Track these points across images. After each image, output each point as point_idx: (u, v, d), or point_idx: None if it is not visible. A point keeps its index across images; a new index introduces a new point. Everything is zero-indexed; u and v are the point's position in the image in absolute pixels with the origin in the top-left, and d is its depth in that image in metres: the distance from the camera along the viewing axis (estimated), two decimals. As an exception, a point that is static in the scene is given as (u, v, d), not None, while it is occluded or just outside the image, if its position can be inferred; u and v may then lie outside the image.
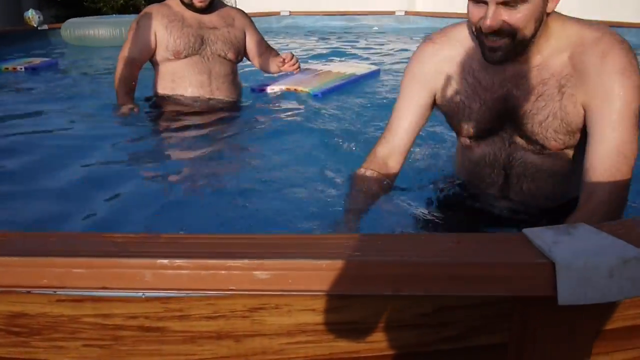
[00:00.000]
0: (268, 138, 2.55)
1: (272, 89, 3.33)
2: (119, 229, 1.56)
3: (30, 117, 3.01)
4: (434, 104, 1.51)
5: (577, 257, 0.78)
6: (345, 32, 7.02)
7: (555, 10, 1.30)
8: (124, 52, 2.83)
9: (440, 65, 1.45)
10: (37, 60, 4.62)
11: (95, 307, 0.84)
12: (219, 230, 1.55)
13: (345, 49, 5.95)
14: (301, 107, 3.06)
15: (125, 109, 2.77)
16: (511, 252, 0.82)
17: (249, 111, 3.02)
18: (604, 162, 1.24)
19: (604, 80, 1.25)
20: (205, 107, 2.87)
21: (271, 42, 3.25)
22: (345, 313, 0.83)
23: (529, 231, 0.86)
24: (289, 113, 2.99)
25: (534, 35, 1.27)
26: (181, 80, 2.86)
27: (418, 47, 1.51)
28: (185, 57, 2.82)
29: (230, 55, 2.95)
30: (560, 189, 1.48)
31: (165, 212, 1.66)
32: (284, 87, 3.31)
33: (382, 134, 1.57)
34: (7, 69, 4.40)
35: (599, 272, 0.77)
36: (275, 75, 3.35)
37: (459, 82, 1.43)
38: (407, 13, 7.41)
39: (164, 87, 2.90)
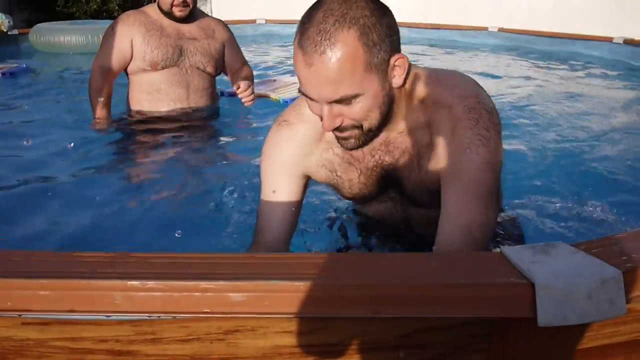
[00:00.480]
0: (246, 151, 2.48)
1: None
2: (89, 247, 1.52)
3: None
4: (307, 184, 1.37)
5: (557, 277, 0.78)
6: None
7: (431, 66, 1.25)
8: (99, 61, 2.70)
9: (304, 148, 1.29)
10: (8, 66, 4.48)
11: (63, 330, 0.81)
12: (194, 249, 1.51)
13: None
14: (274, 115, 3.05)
15: (102, 123, 2.65)
16: (490, 272, 0.81)
17: (225, 121, 2.96)
18: (450, 238, 1.14)
19: (453, 155, 1.17)
20: (182, 121, 2.76)
21: (247, 50, 3.22)
22: (323, 335, 0.81)
23: (507, 250, 0.86)
24: (264, 120, 2.93)
25: (385, 115, 1.16)
26: (158, 92, 2.73)
27: (271, 131, 1.34)
28: (163, 68, 2.69)
29: (209, 69, 2.83)
30: None
31: (139, 229, 1.62)
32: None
33: (253, 239, 1.37)
34: None
35: (578, 293, 0.77)
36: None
37: (329, 160, 1.30)
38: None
39: (140, 100, 2.76)
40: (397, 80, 1.13)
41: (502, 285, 0.78)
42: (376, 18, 1.06)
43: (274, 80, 3.81)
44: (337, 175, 1.32)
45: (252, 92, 2.79)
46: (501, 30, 6.97)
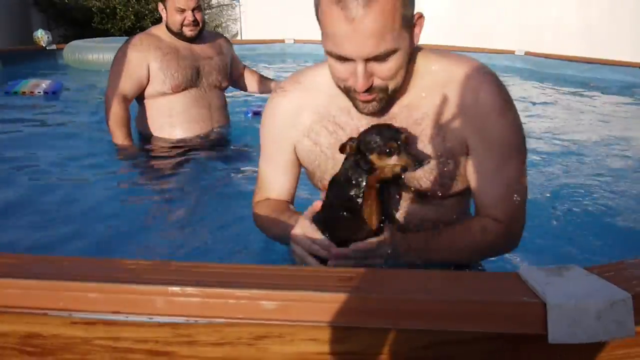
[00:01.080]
0: None
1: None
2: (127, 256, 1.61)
3: (34, 141, 3.02)
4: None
5: (568, 298, 0.83)
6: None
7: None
8: (115, 89, 2.62)
9: (295, 117, 1.28)
10: (45, 83, 4.57)
11: (107, 330, 0.88)
12: (226, 260, 1.59)
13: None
14: None
15: (128, 152, 2.60)
16: (506, 291, 0.86)
17: (250, 138, 2.94)
18: (492, 197, 1.21)
19: (482, 120, 1.18)
20: (207, 141, 2.76)
21: (277, 69, 3.30)
22: (346, 344, 0.86)
23: (523, 271, 0.91)
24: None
25: (403, 77, 1.15)
26: (179, 115, 2.70)
27: (268, 99, 1.36)
28: (183, 90, 2.68)
29: (224, 84, 2.90)
30: None
31: (174, 241, 1.71)
32: None
33: (257, 189, 1.42)
34: (24, 92, 4.29)
35: (587, 313, 0.81)
36: (261, 94, 3.25)
37: (317, 132, 1.27)
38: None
39: (161, 124, 2.72)
40: (416, 38, 1.13)
41: (516, 303, 0.83)
42: None
43: None
44: (321, 151, 1.27)
45: None
46: (528, 54, 6.99)
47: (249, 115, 3.21)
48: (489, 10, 8.94)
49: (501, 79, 1.21)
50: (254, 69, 3.30)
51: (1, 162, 2.55)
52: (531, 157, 2.85)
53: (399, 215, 1.25)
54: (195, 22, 2.68)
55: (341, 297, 0.82)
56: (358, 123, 1.22)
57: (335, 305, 0.82)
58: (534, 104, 4.80)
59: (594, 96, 5.26)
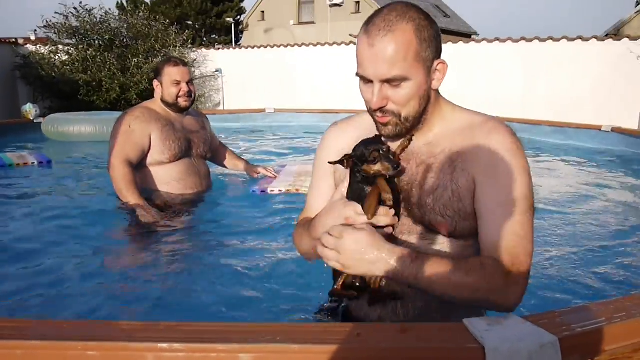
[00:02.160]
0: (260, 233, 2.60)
1: (272, 190, 3.29)
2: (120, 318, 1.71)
3: (24, 210, 3.12)
4: None
5: (503, 342, 0.97)
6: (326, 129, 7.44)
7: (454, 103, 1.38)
8: (122, 155, 2.76)
9: (339, 146, 1.45)
10: (30, 153, 4.69)
11: (104, 384, 0.99)
12: (208, 315, 1.71)
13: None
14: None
15: (147, 211, 2.67)
16: (451, 339, 1.00)
17: (257, 216, 2.97)
18: (496, 241, 1.22)
19: (492, 158, 1.27)
20: (198, 205, 2.96)
21: (257, 136, 3.49)
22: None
23: (467, 321, 1.05)
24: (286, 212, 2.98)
25: (421, 112, 1.30)
26: (176, 182, 2.92)
27: (325, 132, 1.55)
28: (179, 159, 2.92)
29: (209, 155, 3.18)
30: None
31: (165, 302, 1.82)
32: (283, 189, 3.28)
33: (302, 212, 1.57)
34: (18, 164, 4.40)
35: (520, 355, 0.95)
36: (235, 172, 3.56)
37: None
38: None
39: (157, 188, 2.91)
40: (436, 82, 1.30)
41: (458, 349, 0.97)
42: (428, 22, 1.26)
43: (276, 177, 3.66)
44: None
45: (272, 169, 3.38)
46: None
47: (257, 192, 3.26)
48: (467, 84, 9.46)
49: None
50: (234, 138, 3.55)
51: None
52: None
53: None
54: (189, 94, 2.95)
55: (310, 348, 0.95)
56: None
57: (304, 356, 0.95)
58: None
59: (559, 156, 5.55)
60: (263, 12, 28.30)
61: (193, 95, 3.00)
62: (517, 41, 9.28)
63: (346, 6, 25.54)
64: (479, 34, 31.19)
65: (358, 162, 1.25)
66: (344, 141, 1.44)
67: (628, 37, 8.59)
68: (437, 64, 1.28)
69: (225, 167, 3.53)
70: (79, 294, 1.85)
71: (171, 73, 2.91)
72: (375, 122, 1.34)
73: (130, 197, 2.69)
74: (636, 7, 21.57)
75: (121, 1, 26.18)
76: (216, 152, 3.41)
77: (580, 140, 6.13)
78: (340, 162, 1.30)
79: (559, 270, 2.11)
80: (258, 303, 1.82)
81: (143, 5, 15.01)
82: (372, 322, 1.37)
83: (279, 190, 3.23)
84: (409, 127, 1.31)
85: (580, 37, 8.80)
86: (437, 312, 1.35)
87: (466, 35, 27.00)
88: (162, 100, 2.96)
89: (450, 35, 24.69)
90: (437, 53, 1.28)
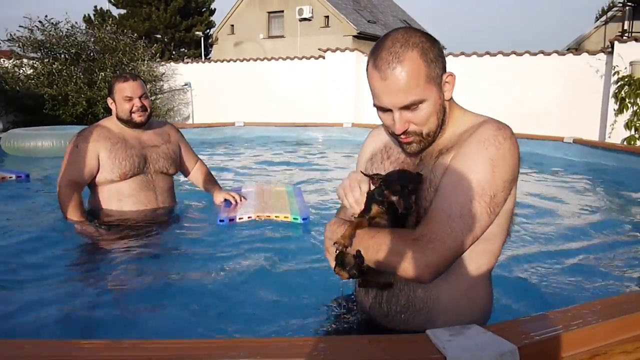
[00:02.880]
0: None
1: (241, 218, 2.98)
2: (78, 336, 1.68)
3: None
4: None
5: (464, 352, 0.99)
6: (295, 143, 7.49)
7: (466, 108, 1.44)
8: (68, 177, 2.75)
9: (374, 147, 1.58)
10: (6, 173, 4.47)
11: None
12: (170, 332, 1.70)
13: (292, 158, 6.33)
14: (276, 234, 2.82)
15: (91, 231, 2.61)
16: (413, 350, 1.02)
17: (226, 246, 2.69)
18: (431, 218, 1.28)
19: (465, 145, 1.33)
20: (153, 221, 2.86)
21: (226, 150, 3.36)
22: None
23: (430, 332, 1.07)
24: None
25: (439, 125, 1.38)
26: (128, 199, 2.87)
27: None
28: (131, 177, 2.86)
29: (172, 170, 3.05)
30: None
31: (129, 319, 1.80)
32: (253, 216, 3.00)
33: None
34: None
35: (481, 364, 0.98)
36: (204, 191, 3.29)
37: (375, 155, 1.56)
38: (353, 125, 7.97)
39: (110, 206, 2.87)
40: (447, 93, 1.38)
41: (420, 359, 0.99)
42: (430, 43, 1.33)
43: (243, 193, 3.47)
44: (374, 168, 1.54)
45: (239, 196, 3.19)
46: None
47: (225, 222, 2.92)
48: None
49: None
50: (202, 152, 3.40)
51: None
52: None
53: None
54: (143, 108, 2.87)
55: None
56: (401, 156, 1.48)
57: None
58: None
59: (522, 167, 5.69)
60: (232, 25, 28.25)
61: (148, 109, 2.92)
62: (481, 55, 9.51)
63: (315, 20, 25.74)
64: (446, 48, 31.80)
65: (383, 185, 1.35)
66: (375, 143, 1.59)
67: (587, 52, 8.89)
68: (446, 77, 1.37)
69: (200, 188, 3.36)
70: (39, 312, 1.81)
71: (122, 89, 2.85)
72: (399, 143, 1.42)
73: (73, 220, 2.67)
74: (595, 22, 22.33)
75: (88, 15, 25.89)
76: (194, 171, 3.31)
77: (544, 150, 6.29)
78: (371, 177, 1.40)
79: (520, 279, 2.16)
80: (215, 320, 1.81)
81: (111, 19, 14.79)
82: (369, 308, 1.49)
83: (249, 217, 2.99)
84: (431, 141, 1.40)
85: (542, 52, 9.06)
86: (422, 303, 1.40)
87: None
88: (117, 118, 2.89)
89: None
90: (444, 67, 1.36)
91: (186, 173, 3.32)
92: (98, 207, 2.88)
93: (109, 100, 2.90)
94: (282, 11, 26.94)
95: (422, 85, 1.30)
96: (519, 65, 9.20)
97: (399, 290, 1.41)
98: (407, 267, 1.24)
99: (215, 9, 28.21)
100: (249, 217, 2.97)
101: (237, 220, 2.94)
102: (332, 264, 1.43)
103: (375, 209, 1.36)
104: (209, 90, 11.98)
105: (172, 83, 12.09)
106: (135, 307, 1.90)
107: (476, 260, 1.39)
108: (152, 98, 11.57)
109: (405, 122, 1.34)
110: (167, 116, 11.76)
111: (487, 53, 9.49)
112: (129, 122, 2.87)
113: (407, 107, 1.32)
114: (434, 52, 1.33)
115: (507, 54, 9.31)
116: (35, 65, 10.13)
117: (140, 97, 2.86)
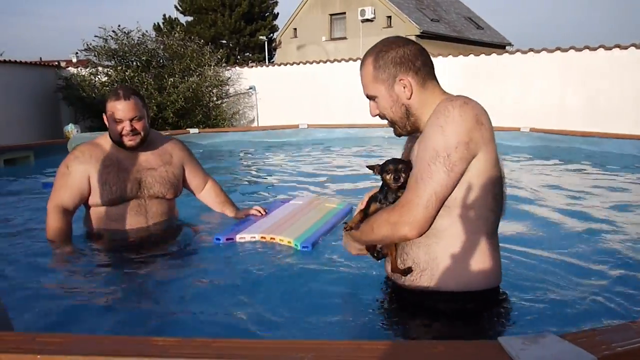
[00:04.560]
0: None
1: (242, 237, 2.65)
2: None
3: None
4: None
5: (539, 361, 0.95)
6: (359, 144, 7.48)
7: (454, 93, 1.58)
8: (56, 201, 2.55)
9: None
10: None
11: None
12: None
13: (356, 161, 6.30)
14: (278, 258, 2.45)
15: (63, 261, 2.44)
16: (486, 358, 0.99)
17: (219, 267, 2.45)
18: (408, 184, 1.53)
19: (427, 124, 1.54)
20: (141, 247, 2.58)
21: (289, 151, 3.10)
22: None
23: (502, 339, 1.04)
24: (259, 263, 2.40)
25: (403, 116, 1.61)
26: (117, 223, 2.63)
27: None
28: (122, 202, 2.61)
29: (169, 195, 2.74)
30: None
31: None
32: (257, 236, 2.66)
33: None
34: None
35: (557, 375, 0.93)
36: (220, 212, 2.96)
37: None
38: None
39: (99, 230, 2.65)
40: (402, 94, 1.59)
41: (493, 368, 0.96)
42: (387, 51, 1.59)
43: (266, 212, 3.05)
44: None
45: (264, 209, 2.96)
46: (533, 130, 7.24)
47: (221, 241, 2.62)
48: (496, 90, 9.34)
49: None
50: (267, 153, 3.19)
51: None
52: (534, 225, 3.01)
53: None
54: (134, 132, 2.55)
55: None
56: (406, 146, 1.77)
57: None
58: (537, 174, 4.97)
59: (595, 167, 5.41)
60: (295, 29, 28.59)
61: (142, 132, 2.58)
62: (552, 51, 9.14)
63: (377, 21, 25.60)
64: (513, 45, 30.79)
65: (381, 171, 1.62)
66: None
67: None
68: (399, 80, 1.58)
69: (214, 209, 3.00)
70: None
71: (113, 109, 2.53)
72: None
73: (54, 247, 2.51)
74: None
75: (158, 23, 26.95)
76: (205, 191, 2.97)
77: (614, 148, 5.99)
78: (372, 168, 1.66)
79: (589, 287, 2.04)
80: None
81: (179, 26, 15.37)
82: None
83: (252, 237, 2.64)
84: (402, 126, 1.64)
85: (617, 46, 8.60)
86: (425, 264, 1.60)
87: (500, 46, 26.67)
88: (110, 137, 2.62)
89: (484, 46, 24.46)
90: (402, 72, 1.58)
91: (196, 193, 2.99)
92: (90, 228, 2.68)
93: (104, 117, 2.62)
94: (344, 13, 26.99)
95: (371, 83, 1.62)
96: (592, 61, 8.77)
97: (406, 255, 1.63)
98: (394, 230, 1.52)
99: (278, 13, 28.59)
100: (252, 237, 2.65)
101: (237, 239, 2.62)
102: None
103: (373, 206, 1.65)
104: (273, 93, 12.18)
105: (238, 87, 12.38)
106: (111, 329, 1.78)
107: (468, 225, 1.54)
108: (219, 102, 11.90)
109: (374, 109, 1.67)
110: (233, 119, 12.06)
111: (558, 49, 9.10)
112: (119, 145, 2.60)
113: (371, 98, 1.66)
114: (387, 58, 1.58)
115: (580, 49, 8.90)
116: (109, 72, 10.66)
117: (131, 120, 2.53)
